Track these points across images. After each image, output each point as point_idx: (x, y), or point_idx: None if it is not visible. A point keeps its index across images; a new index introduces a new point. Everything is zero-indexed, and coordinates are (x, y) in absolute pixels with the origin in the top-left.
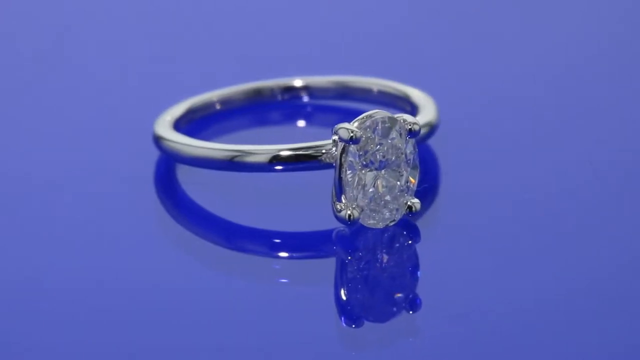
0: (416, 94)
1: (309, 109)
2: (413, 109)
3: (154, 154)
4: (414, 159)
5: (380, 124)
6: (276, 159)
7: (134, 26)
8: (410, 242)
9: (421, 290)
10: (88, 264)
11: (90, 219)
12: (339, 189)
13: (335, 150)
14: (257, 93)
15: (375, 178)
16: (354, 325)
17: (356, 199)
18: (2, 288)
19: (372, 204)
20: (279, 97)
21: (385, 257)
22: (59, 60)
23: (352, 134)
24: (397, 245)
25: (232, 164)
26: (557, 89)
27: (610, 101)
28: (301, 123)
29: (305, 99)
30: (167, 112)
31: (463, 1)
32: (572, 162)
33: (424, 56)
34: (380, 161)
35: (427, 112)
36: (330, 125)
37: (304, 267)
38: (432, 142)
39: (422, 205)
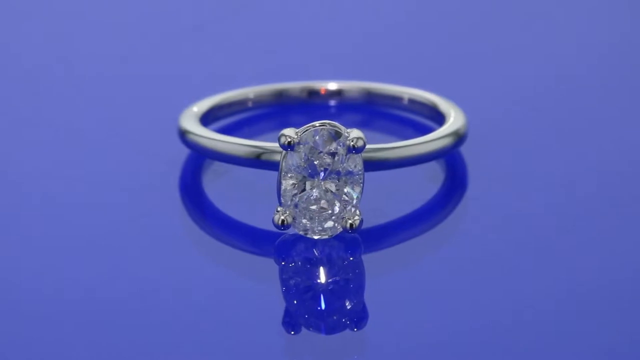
0: (444, 103)
1: (334, 110)
2: (441, 118)
3: (182, 154)
4: (358, 174)
5: (323, 135)
6: None
7: (167, 25)
8: (351, 258)
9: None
10: (106, 266)
11: (111, 218)
12: (278, 194)
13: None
14: (284, 94)
15: (313, 187)
16: (292, 332)
17: (293, 205)
18: (4, 288)
19: (307, 213)
20: (307, 99)
21: (325, 270)
22: (87, 58)
23: (288, 140)
24: (337, 258)
25: (257, 162)
26: (583, 93)
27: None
28: None
29: (333, 102)
30: (193, 106)
31: (494, 9)
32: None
33: (455, 63)
34: (321, 171)
35: (455, 121)
36: (359, 128)
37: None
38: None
39: (362, 223)
